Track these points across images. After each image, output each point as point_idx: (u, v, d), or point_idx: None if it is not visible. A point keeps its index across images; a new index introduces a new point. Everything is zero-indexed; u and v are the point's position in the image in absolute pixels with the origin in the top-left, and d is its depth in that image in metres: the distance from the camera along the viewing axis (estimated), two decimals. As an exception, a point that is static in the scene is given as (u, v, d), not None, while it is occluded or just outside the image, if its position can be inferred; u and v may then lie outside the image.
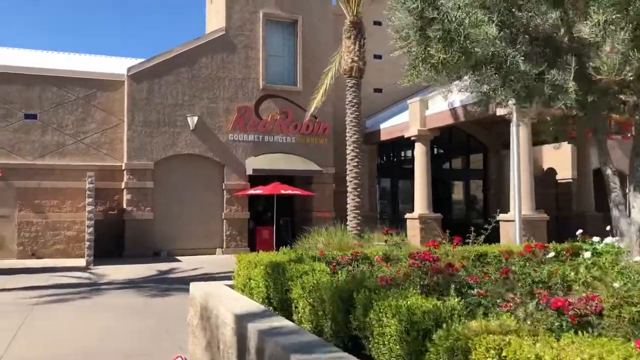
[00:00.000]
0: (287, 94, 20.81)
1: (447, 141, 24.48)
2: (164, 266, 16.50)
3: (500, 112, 15.27)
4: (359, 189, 15.06)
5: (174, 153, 19.50)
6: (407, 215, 19.54)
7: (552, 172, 25.85)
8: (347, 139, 15.28)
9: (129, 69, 19.21)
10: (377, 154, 23.79)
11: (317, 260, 6.13)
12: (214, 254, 19.76)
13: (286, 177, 20.40)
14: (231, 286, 6.57)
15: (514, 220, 14.49)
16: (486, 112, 16.54)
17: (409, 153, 25.51)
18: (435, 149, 24.90)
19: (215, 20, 22.02)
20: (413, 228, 18.84)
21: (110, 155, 19.69)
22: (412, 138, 19.46)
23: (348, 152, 15.23)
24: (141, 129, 19.15)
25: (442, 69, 5.26)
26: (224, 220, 19.98)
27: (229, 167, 20.07)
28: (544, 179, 26.27)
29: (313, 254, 6.56)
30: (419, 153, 19.32)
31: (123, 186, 19.22)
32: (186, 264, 16.94)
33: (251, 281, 5.93)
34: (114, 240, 19.02)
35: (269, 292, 5.37)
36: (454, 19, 5.02)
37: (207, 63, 19.98)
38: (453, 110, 17.89)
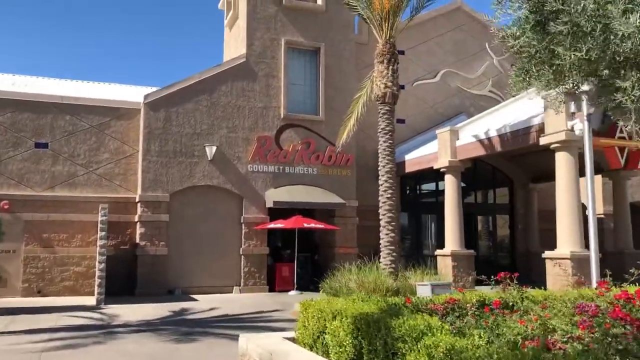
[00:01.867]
0: (308, 123, 19.92)
1: (471, 174, 23.47)
2: (179, 305, 15.30)
3: (544, 140, 14.31)
4: (393, 223, 13.99)
5: (191, 184, 18.50)
6: (438, 252, 18.39)
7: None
8: (379, 169, 14.29)
9: (145, 97, 18.39)
10: (398, 187, 22.71)
11: (405, 308, 5.00)
12: (231, 292, 18.56)
13: (306, 211, 19.34)
14: (292, 339, 5.43)
15: (565, 258, 13.32)
16: (527, 141, 15.63)
17: (431, 186, 24.49)
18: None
19: (234, 47, 21.33)
20: (445, 266, 17.68)
21: (123, 186, 18.70)
22: (442, 169, 18.46)
23: (381, 182, 14.22)
24: (157, 159, 18.20)
25: (569, 71, 4.25)
26: (242, 256, 18.84)
27: (248, 199, 19.04)
28: (572, 214, 25.17)
29: (398, 301, 5.44)
30: (450, 185, 18.28)
31: (136, 219, 18.17)
32: (203, 304, 15.74)
33: (327, 337, 4.81)
34: (125, 277, 17.87)
35: (363, 354, 4.23)
36: (584, 9, 4.04)
37: (226, 91, 19.16)
38: (487, 140, 16.93)
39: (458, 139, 18.23)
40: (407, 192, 23.48)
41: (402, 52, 20.71)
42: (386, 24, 14.30)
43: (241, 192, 18.98)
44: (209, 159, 18.60)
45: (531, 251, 23.84)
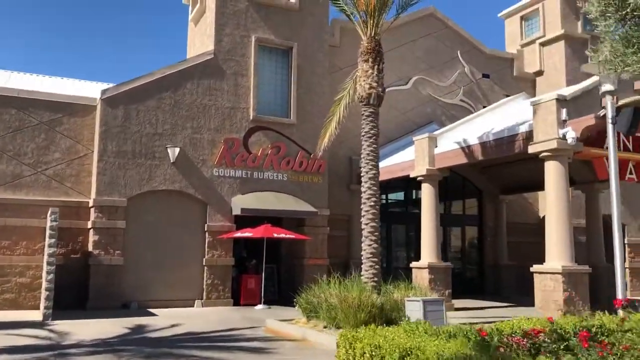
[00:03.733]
0: (279, 126, 18.79)
1: (441, 184, 22.84)
2: (138, 321, 13.83)
3: (534, 149, 13.68)
4: (376, 233, 12.99)
5: (151, 189, 17.03)
6: (414, 264, 17.53)
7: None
8: (362, 175, 13.29)
9: (103, 92, 16.87)
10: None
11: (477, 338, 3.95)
12: (192, 306, 17.14)
13: (272, 219, 18.16)
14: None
15: (551, 272, 12.64)
16: (512, 149, 14.99)
17: (401, 195, 23.77)
18: (419, 193, 23.25)
19: (200, 44, 20.03)
20: (421, 279, 16.82)
21: (75, 189, 17.06)
22: (419, 178, 17.67)
23: (363, 190, 13.23)
24: (114, 160, 16.67)
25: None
26: (205, 267, 17.45)
27: (213, 205, 17.70)
28: (539, 227, 24.89)
29: (469, 332, 4.40)
30: (427, 195, 17.49)
31: (89, 225, 16.57)
32: (164, 319, 14.31)
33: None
34: (75, 289, 16.23)
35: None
36: None
37: (192, 89, 17.83)
38: (468, 148, 16.24)
39: (436, 147, 17.49)
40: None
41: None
42: (371, 21, 13.40)
43: (205, 197, 17.63)
44: (171, 161, 17.21)
45: (500, 264, 23.40)
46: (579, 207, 23.26)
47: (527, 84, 24.97)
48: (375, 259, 12.92)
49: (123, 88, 16.98)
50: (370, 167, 13.08)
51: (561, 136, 13.00)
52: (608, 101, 8.01)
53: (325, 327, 12.09)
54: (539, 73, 25.02)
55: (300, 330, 12.19)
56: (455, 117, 22.84)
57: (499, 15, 27.50)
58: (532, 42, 25.44)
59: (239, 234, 17.38)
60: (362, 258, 13.12)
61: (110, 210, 16.47)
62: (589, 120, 12.87)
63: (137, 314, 15.10)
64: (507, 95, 22.97)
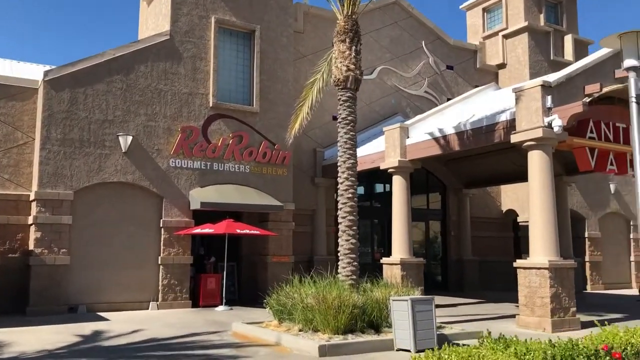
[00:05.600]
0: (241, 114, 17.55)
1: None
2: (88, 327, 12.38)
3: (517, 138, 13.03)
4: (354, 227, 12.01)
5: (100, 180, 15.48)
6: (385, 260, 16.69)
7: (511, 213, 24.24)
8: (339, 165, 12.28)
9: (46, 73, 15.18)
10: (334, 191, 20.86)
11: None
12: (147, 308, 15.73)
13: (233, 214, 16.96)
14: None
15: (537, 268, 12.02)
16: (491, 139, 14.34)
17: (360, 190, 22.91)
18: (387, 186, 22.56)
19: (153, 25, 18.52)
20: (392, 275, 15.98)
21: (13, 181, 15.34)
22: (390, 170, 16.82)
23: (341, 181, 12.22)
24: (58, 149, 15.04)
25: None
26: (161, 266, 16.05)
27: (169, 199, 16.31)
28: (502, 221, 24.66)
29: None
30: (399, 188, 16.66)
31: (30, 221, 14.90)
32: (118, 324, 12.90)
33: None
34: (14, 292, 14.58)
35: None
36: None
37: (145, 72, 16.35)
38: (443, 138, 15.51)
39: (408, 137, 16.70)
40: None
41: (338, 45, 18.91)
42: (348, -2, 12.41)
43: (161, 190, 16.22)
44: (123, 150, 15.71)
45: (464, 259, 22.98)
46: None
47: (490, 76, 24.62)
48: (354, 255, 11.96)
49: (69, 69, 15.35)
50: (348, 155, 12.09)
51: (546, 124, 12.40)
52: (632, 78, 7.30)
53: (300, 330, 11.03)
54: (502, 65, 24.73)
55: (273, 334, 11.08)
56: (419, 109, 22.22)
57: (461, 7, 27.10)
58: (495, 34, 25.13)
59: (198, 230, 16.07)
60: (339, 254, 12.13)
61: (55, 204, 14.84)
62: (576, 107, 12.32)
63: (87, 319, 13.61)
64: (477, 86, 22.50)
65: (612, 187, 25.12)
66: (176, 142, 16.41)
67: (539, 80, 12.84)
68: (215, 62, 17.18)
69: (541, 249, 12.37)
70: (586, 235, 24.39)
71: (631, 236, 26.03)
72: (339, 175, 12.29)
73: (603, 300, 19.18)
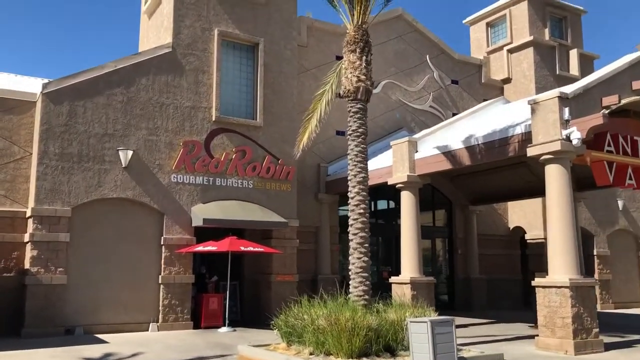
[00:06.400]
0: (244, 128, 17.08)
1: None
2: (87, 351, 11.74)
3: (533, 151, 12.57)
4: (366, 245, 11.48)
5: (100, 197, 14.94)
6: (394, 279, 16.13)
7: (519, 230, 23.72)
8: (349, 179, 11.80)
9: (44, 85, 14.70)
10: (337, 207, 20.39)
11: None
12: (147, 329, 15.08)
13: (236, 230, 16.41)
14: None
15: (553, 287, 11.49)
16: (505, 153, 13.88)
17: (371, 206, 22.37)
18: (392, 203, 22.08)
19: (155, 38, 18.13)
20: (402, 295, 15.36)
21: (9, 197, 14.79)
22: (399, 185, 16.33)
23: (351, 195, 11.73)
24: (56, 164, 14.52)
25: None
26: (161, 286, 15.44)
27: (170, 216, 15.77)
28: (509, 239, 24.13)
29: None
30: (407, 203, 16.16)
31: (27, 239, 14.32)
32: (118, 347, 12.27)
33: None
34: (9, 313, 13.96)
35: None
36: None
37: (147, 85, 15.91)
38: (452, 153, 15.06)
39: (417, 152, 16.24)
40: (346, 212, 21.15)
41: (341, 58, 18.55)
42: (359, 7, 12.01)
43: (162, 207, 15.68)
44: (124, 165, 15.20)
45: (471, 277, 22.41)
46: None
47: (496, 91, 24.28)
48: (366, 274, 11.41)
49: (68, 82, 14.89)
50: (359, 169, 11.61)
51: (564, 137, 11.95)
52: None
53: (311, 354, 10.41)
54: (507, 80, 24.41)
55: (282, 357, 10.47)
56: (424, 124, 21.83)
57: (464, 21, 26.87)
58: (499, 49, 24.85)
59: (200, 248, 15.50)
60: (350, 273, 11.58)
61: (52, 221, 14.27)
62: (595, 119, 11.90)
63: (84, 341, 12.97)
64: (485, 100, 22.15)
65: (620, 203, 24.68)
66: (178, 156, 15.92)
67: (555, 92, 12.43)
68: (218, 75, 16.76)
69: (561, 266, 11.84)
70: (595, 253, 23.86)
71: (640, 254, 25.52)
72: (349, 190, 11.79)
73: (617, 320, 18.59)
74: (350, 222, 11.68)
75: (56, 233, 14.26)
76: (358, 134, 11.78)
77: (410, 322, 9.78)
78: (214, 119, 16.57)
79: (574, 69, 24.39)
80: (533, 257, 23.00)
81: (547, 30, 24.29)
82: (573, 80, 22.49)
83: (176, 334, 14.69)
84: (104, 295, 14.71)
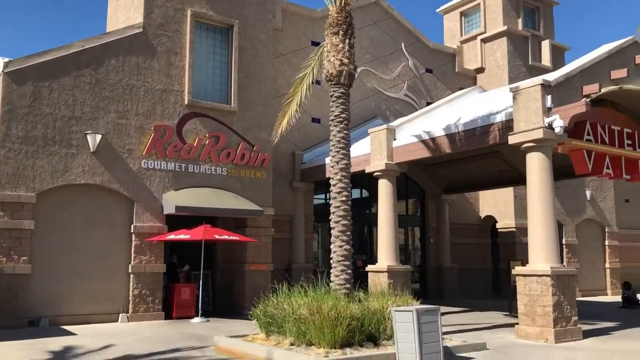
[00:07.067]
0: (218, 113, 16.56)
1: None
2: (54, 343, 11.16)
3: (515, 139, 12.47)
4: (348, 233, 11.20)
5: (66, 182, 14.25)
6: (371, 268, 15.93)
7: (490, 219, 23.85)
8: (332, 166, 11.48)
9: (6, 64, 13.88)
10: (312, 196, 20.07)
11: None
12: (116, 320, 14.53)
13: (208, 219, 15.92)
14: None
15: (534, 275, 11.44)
16: (486, 141, 13.76)
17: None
18: (365, 192, 21.93)
19: (123, 19, 17.38)
20: (378, 283, 15.22)
21: (-32, 182, 13.97)
22: (376, 173, 16.10)
23: (333, 183, 11.42)
24: (20, 148, 13.77)
25: None
26: (131, 275, 14.88)
27: (141, 203, 15.19)
28: (480, 228, 24.25)
29: None
30: (385, 192, 15.96)
31: (-13, 226, 13.57)
32: (87, 339, 11.72)
33: None
34: (-32, 305, 13.19)
35: None
36: None
37: (117, 67, 15.23)
38: (432, 141, 14.88)
39: (395, 139, 16.03)
40: (322, 201, 20.86)
41: (317, 44, 18.22)
42: (342, -12, 11.67)
43: (132, 193, 15.08)
44: (92, 150, 14.54)
45: (443, 266, 22.43)
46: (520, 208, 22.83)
47: (469, 81, 24.26)
48: (347, 263, 11.15)
49: (32, 61, 14.11)
50: (342, 155, 11.31)
51: (547, 125, 11.87)
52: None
53: (292, 344, 10.13)
54: (480, 70, 24.41)
55: (262, 348, 10.15)
56: (399, 113, 21.67)
57: (438, 10, 26.77)
58: (473, 38, 24.82)
59: (173, 237, 14.98)
60: (332, 262, 11.30)
61: (14, 208, 13.55)
62: (578, 107, 11.85)
63: (51, 333, 12.37)
64: (462, 88, 22.08)
65: (588, 193, 25.06)
66: (149, 141, 15.32)
67: (539, 79, 12.33)
68: (191, 57, 16.17)
69: (542, 255, 11.79)
70: (564, 242, 24.18)
71: (606, 243, 25.99)
72: (331, 177, 11.49)
73: (587, 308, 18.81)
74: (332, 209, 11.39)
75: (19, 220, 13.54)
76: (341, 119, 11.46)
77: (395, 311, 9.54)
78: (186, 102, 16.00)
79: (546, 59, 24.55)
80: (504, 246, 23.18)
81: (520, 21, 24.36)
82: (545, 70, 22.63)
83: (147, 324, 14.18)
84: (70, 285, 14.08)
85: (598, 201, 25.75)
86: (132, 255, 14.96)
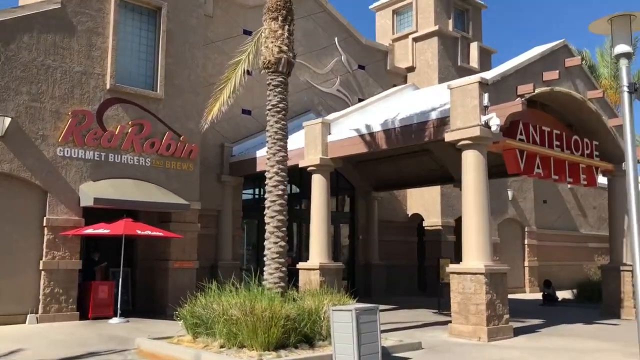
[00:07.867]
0: (143, 100, 15.54)
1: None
2: (-51, 350, 9.93)
3: (452, 137, 12.38)
4: (283, 229, 10.66)
5: (-31, 169, 12.87)
6: (302, 265, 15.45)
7: (417, 217, 24.03)
8: (268, 157, 10.90)
9: None
10: (241, 190, 19.35)
11: None
12: (24, 322, 13.27)
13: (129, 212, 14.91)
14: None
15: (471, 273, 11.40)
16: (422, 137, 13.61)
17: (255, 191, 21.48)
18: (294, 187, 21.47)
19: (39, -8, 15.93)
20: (310, 281, 14.77)
21: None
22: (310, 168, 15.65)
23: (269, 176, 10.83)
24: None
25: None
26: (42, 272, 13.65)
27: (55, 194, 13.96)
28: (407, 225, 24.38)
29: None
30: (319, 188, 15.54)
31: None
32: (-11, 344, 10.53)
33: None
34: None
35: None
36: None
37: (30, 44, 13.91)
38: (369, 136, 14.61)
39: (330, 134, 15.64)
40: (251, 196, 20.17)
41: (249, 33, 17.55)
42: (281, -30, 11.10)
43: (45, 184, 13.84)
44: (0, 134, 13.19)
45: (372, 263, 22.36)
46: (446, 206, 23.15)
47: (400, 79, 24.31)
48: (282, 260, 10.63)
49: None
50: (279, 147, 10.77)
51: (484, 123, 11.84)
52: (623, 66, 6.61)
53: (222, 346, 9.51)
54: (411, 69, 24.51)
55: (189, 352, 9.45)
56: (332, 108, 21.33)
57: (371, 7, 26.70)
58: (405, 37, 24.89)
59: (90, 231, 13.87)
60: (265, 259, 10.75)
61: None
62: (514, 106, 11.92)
63: (-55, 338, 11.04)
64: (395, 85, 22.03)
65: (509, 193, 25.78)
66: (65, 127, 14.11)
67: (476, 77, 12.30)
68: (114, 39, 15.06)
69: (476, 253, 11.77)
70: (487, 240, 24.69)
71: (525, 242, 26.87)
72: (267, 170, 10.93)
73: (510, 305, 19.25)
74: (268, 204, 10.83)
75: None
76: (278, 109, 10.94)
77: (334, 310, 9.12)
78: (108, 87, 14.89)
79: (474, 61, 25.01)
80: (430, 244, 23.42)
81: (450, 22, 24.67)
82: (473, 72, 22.99)
83: (60, 326, 13.03)
84: (-29, 284, 12.71)
85: (519, 201, 26.56)
86: (44, 250, 13.72)
